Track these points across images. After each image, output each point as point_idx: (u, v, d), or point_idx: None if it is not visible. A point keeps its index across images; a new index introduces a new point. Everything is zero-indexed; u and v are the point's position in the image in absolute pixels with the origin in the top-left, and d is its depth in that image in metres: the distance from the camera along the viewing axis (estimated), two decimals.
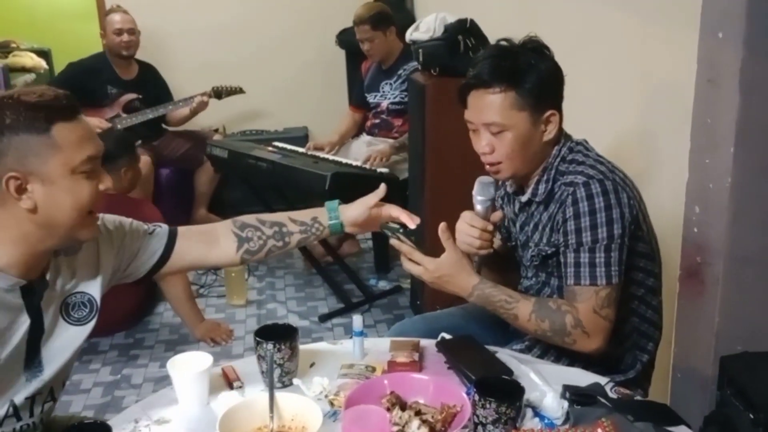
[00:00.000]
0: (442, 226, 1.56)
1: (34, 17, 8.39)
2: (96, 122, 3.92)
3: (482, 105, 1.54)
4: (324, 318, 3.27)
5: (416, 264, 1.55)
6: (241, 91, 4.20)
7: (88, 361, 2.95)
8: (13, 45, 7.93)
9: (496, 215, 1.66)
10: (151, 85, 4.17)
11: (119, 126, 3.98)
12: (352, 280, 3.49)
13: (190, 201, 4.34)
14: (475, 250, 1.61)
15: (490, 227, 1.62)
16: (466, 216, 1.63)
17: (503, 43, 1.59)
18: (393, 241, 1.57)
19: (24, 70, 7.57)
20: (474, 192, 1.64)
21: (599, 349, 1.51)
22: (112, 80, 4.06)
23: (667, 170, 1.86)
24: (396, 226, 1.55)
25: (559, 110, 1.58)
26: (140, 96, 4.07)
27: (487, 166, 1.60)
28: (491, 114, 1.53)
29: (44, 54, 8.03)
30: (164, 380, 2.72)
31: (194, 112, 4.10)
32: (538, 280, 1.67)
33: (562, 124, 1.59)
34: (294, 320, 3.28)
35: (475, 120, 1.57)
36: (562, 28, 2.49)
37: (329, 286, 3.50)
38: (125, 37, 4.00)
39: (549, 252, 1.59)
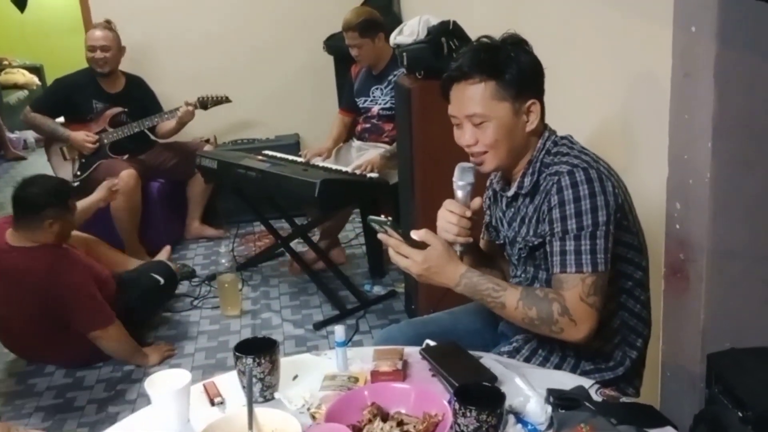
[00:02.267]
0: (423, 231, 1.56)
1: (25, 34, 8.43)
2: (83, 136, 3.92)
3: (464, 97, 1.56)
4: (319, 326, 3.25)
5: (404, 257, 1.54)
6: (227, 100, 4.18)
7: (82, 377, 2.94)
8: (5, 62, 7.98)
9: (476, 202, 1.64)
10: (138, 98, 4.15)
11: (105, 141, 3.98)
12: (347, 286, 3.48)
13: (183, 213, 4.34)
14: (453, 237, 1.59)
15: (469, 213, 1.61)
16: (446, 203, 1.63)
17: (484, 39, 1.61)
18: (380, 235, 1.58)
19: (16, 86, 7.63)
20: (454, 177, 1.64)
21: (587, 338, 1.50)
22: (97, 94, 4.04)
23: (649, 166, 1.85)
24: (383, 218, 1.54)
25: (540, 101, 1.60)
26: (126, 110, 4.06)
27: (472, 158, 1.62)
28: (473, 105, 1.55)
29: (36, 70, 8.08)
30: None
31: (181, 124, 4.07)
32: (526, 275, 1.67)
33: (544, 115, 1.61)
34: (289, 329, 3.26)
35: (458, 113, 1.59)
36: (543, 26, 2.48)
37: (323, 293, 3.48)
38: (98, 53, 3.95)
39: (536, 243, 1.59)
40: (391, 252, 1.57)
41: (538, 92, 1.60)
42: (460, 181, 1.62)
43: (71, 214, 2.85)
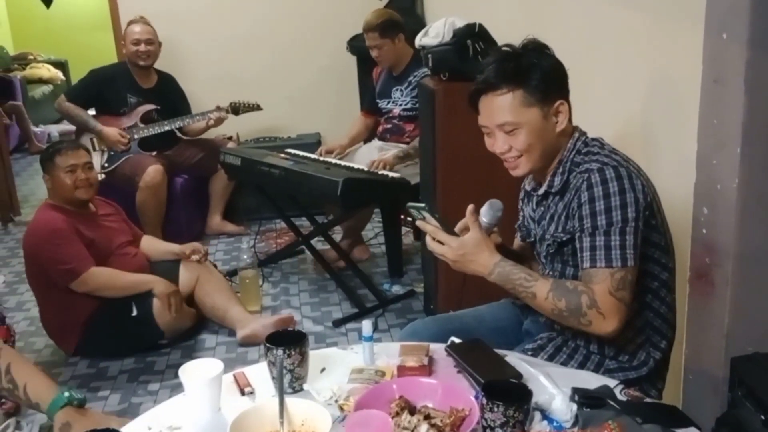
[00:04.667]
0: (470, 207, 1.61)
1: (50, 30, 8.55)
2: (116, 134, 3.99)
3: (493, 107, 1.60)
4: (338, 323, 3.28)
5: (440, 244, 1.58)
6: (258, 107, 4.27)
7: (105, 368, 2.99)
8: (31, 57, 8.10)
9: (495, 239, 1.70)
10: (169, 95, 4.23)
11: (135, 136, 4.04)
12: (366, 284, 3.51)
13: (205, 208, 4.39)
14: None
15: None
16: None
17: (505, 48, 1.65)
18: (419, 222, 1.62)
19: (41, 81, 7.74)
20: (481, 210, 1.68)
21: (615, 332, 1.52)
22: (131, 88, 4.13)
23: (674, 170, 1.86)
24: (421, 204, 1.58)
25: (567, 100, 1.64)
26: (158, 107, 4.13)
27: (506, 164, 1.66)
28: (503, 114, 1.59)
29: (61, 65, 8.19)
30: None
31: (210, 126, 4.17)
32: (554, 272, 1.69)
33: (571, 114, 1.64)
34: (308, 326, 3.29)
35: (489, 123, 1.63)
36: (569, 30, 2.50)
37: (343, 291, 3.51)
38: (142, 47, 4.05)
39: (564, 239, 1.62)
40: (427, 239, 1.61)
41: (563, 92, 1.64)
42: (485, 218, 1.67)
43: (59, 170, 2.98)
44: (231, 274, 3.75)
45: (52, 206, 3.00)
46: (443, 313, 2.95)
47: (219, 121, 4.16)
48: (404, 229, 4.00)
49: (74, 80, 7.82)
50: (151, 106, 4.12)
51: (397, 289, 3.58)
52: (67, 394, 1.58)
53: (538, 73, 1.57)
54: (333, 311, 3.42)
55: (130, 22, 4.17)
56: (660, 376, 1.70)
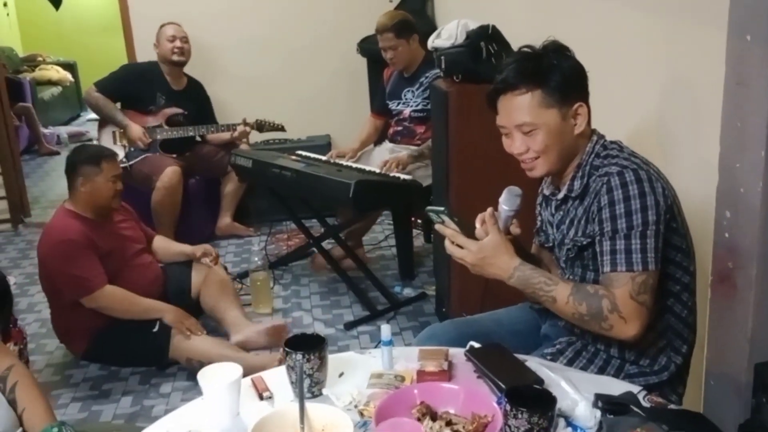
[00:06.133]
0: (489, 210, 1.60)
1: (60, 31, 8.57)
2: (140, 133, 4.00)
3: (511, 107, 1.59)
4: (350, 326, 3.27)
5: (459, 248, 1.57)
6: (282, 128, 4.28)
7: (117, 370, 2.99)
8: (40, 59, 8.12)
9: (515, 230, 1.69)
10: (196, 100, 4.27)
11: (159, 137, 4.07)
12: (377, 287, 3.49)
13: (216, 209, 4.38)
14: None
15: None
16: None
17: (525, 48, 1.64)
18: (437, 226, 1.61)
19: (50, 83, 7.76)
20: (500, 200, 1.66)
21: (636, 336, 1.50)
22: (162, 88, 4.15)
23: (694, 174, 1.84)
24: (440, 208, 1.57)
25: (587, 103, 1.62)
26: (185, 112, 4.16)
27: (523, 164, 1.65)
28: (521, 115, 1.58)
29: (70, 67, 8.21)
30: (192, 389, 2.75)
31: (234, 140, 4.19)
32: (574, 277, 1.68)
33: (590, 116, 1.62)
34: (320, 328, 3.28)
35: (507, 123, 1.62)
36: (584, 31, 2.48)
37: (354, 293, 3.50)
38: (178, 43, 4.11)
39: (584, 243, 1.61)
40: (446, 242, 1.60)
41: (583, 95, 1.63)
42: (505, 205, 1.65)
43: (104, 178, 2.89)
44: (242, 276, 3.75)
45: (72, 214, 2.89)
46: (456, 316, 2.97)
47: (243, 135, 4.18)
48: (415, 231, 3.99)
49: (83, 82, 7.85)
50: (178, 110, 4.15)
51: (408, 292, 3.57)
52: (55, 430, 1.55)
53: (558, 74, 1.56)
54: (344, 314, 3.41)
55: (163, 25, 4.22)
56: (681, 380, 1.69)
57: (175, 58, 4.12)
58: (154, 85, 4.13)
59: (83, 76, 7.98)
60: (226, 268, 3.78)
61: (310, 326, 3.31)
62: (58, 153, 6.75)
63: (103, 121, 4.19)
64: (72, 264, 2.79)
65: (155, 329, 2.88)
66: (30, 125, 6.64)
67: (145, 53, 4.38)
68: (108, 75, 4.22)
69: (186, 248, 3.26)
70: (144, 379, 2.92)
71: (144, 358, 2.96)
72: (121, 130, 4.07)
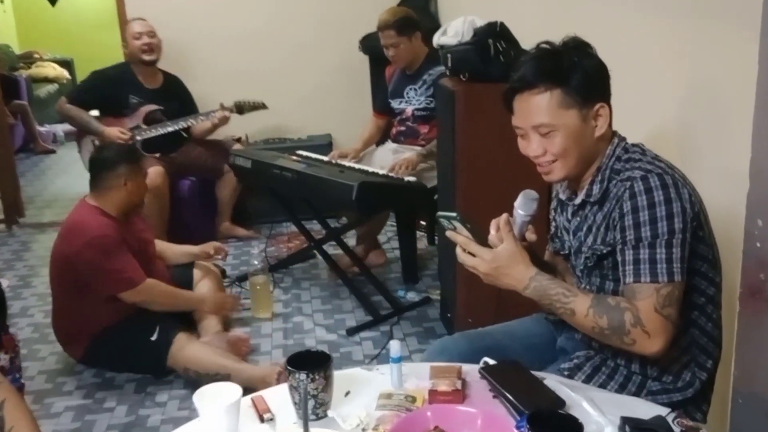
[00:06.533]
0: (504, 216, 1.52)
1: (57, 28, 8.48)
2: (116, 132, 3.88)
3: (529, 107, 1.50)
4: (352, 331, 3.18)
5: (471, 256, 1.48)
6: (264, 106, 4.14)
7: (112, 378, 2.89)
8: (36, 56, 8.02)
9: (531, 236, 1.60)
10: (175, 96, 4.13)
11: (138, 137, 3.94)
12: (380, 291, 3.40)
13: (214, 211, 4.28)
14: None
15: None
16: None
17: (544, 45, 1.54)
18: (448, 233, 1.51)
19: (47, 80, 7.66)
20: (516, 204, 1.57)
21: (660, 351, 1.42)
22: (135, 89, 4.02)
23: (719, 180, 1.75)
24: (452, 214, 1.47)
25: (608, 104, 1.53)
26: (162, 107, 4.02)
27: (539, 168, 1.56)
28: (539, 115, 1.49)
29: (66, 64, 8.12)
30: (189, 398, 2.65)
31: (216, 127, 4.06)
32: (591, 287, 1.59)
33: (612, 118, 1.53)
34: (321, 334, 3.19)
35: (523, 124, 1.52)
36: (597, 28, 2.38)
37: (356, 298, 3.41)
38: (145, 39, 3.96)
39: (604, 252, 1.52)
40: (458, 250, 1.50)
41: (605, 95, 1.53)
42: (521, 210, 1.55)
43: (143, 177, 2.96)
44: (241, 279, 3.66)
45: (100, 211, 2.82)
46: (461, 321, 2.88)
47: (224, 120, 4.03)
48: (418, 233, 3.89)
49: (80, 79, 7.74)
50: (153, 107, 4.00)
51: (412, 296, 3.48)
52: None
53: (579, 72, 1.47)
54: (346, 319, 3.31)
55: (129, 21, 4.09)
56: (705, 398, 1.60)
57: (145, 57, 3.97)
58: (126, 88, 4.00)
59: (80, 73, 7.88)
60: (224, 272, 3.71)
61: (311, 332, 3.22)
62: (54, 151, 6.65)
63: (80, 133, 4.08)
64: (112, 259, 2.75)
65: (154, 337, 2.81)
66: (25, 123, 6.54)
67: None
68: (78, 84, 4.15)
69: (192, 249, 3.22)
70: (140, 387, 2.83)
71: (142, 366, 2.88)
72: (99, 139, 3.96)
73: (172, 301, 2.93)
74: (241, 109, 4.07)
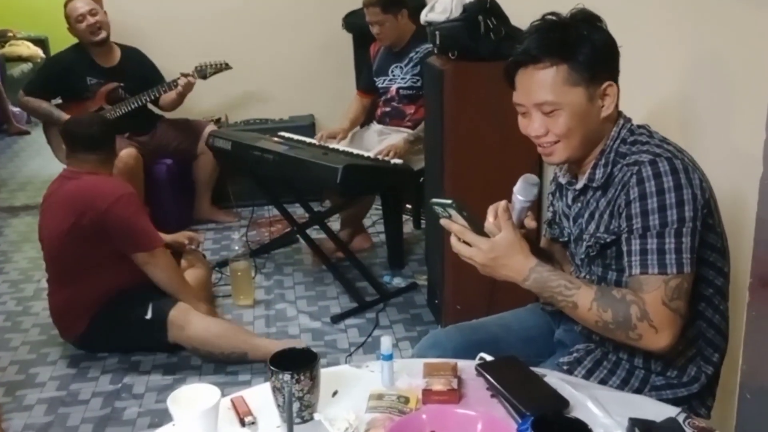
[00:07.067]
0: (503, 203, 1.43)
1: (30, 6, 8.20)
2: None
3: (532, 83, 1.40)
4: (337, 319, 3.08)
5: (467, 245, 1.39)
6: (227, 66, 3.93)
7: (87, 368, 2.78)
8: (10, 34, 7.76)
9: (531, 223, 1.51)
10: (136, 70, 3.92)
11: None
12: (365, 277, 3.31)
13: (193, 194, 4.15)
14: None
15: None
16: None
17: (550, 17, 1.43)
18: (443, 221, 1.41)
19: (21, 59, 7.42)
20: (515, 189, 1.48)
21: (668, 347, 1.34)
22: (91, 70, 3.84)
23: (726, 164, 1.67)
24: (447, 201, 1.37)
25: (617, 82, 1.43)
26: (122, 84, 3.85)
27: (540, 149, 1.46)
28: (543, 92, 1.38)
29: (41, 42, 7.86)
30: (168, 389, 2.55)
31: (182, 95, 3.85)
32: (591, 276, 1.50)
33: (619, 98, 1.44)
34: (305, 321, 3.10)
35: (525, 101, 1.42)
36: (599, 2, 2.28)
37: (341, 283, 3.31)
38: (89, 19, 3.75)
39: (608, 240, 1.43)
40: (452, 240, 1.41)
41: (613, 73, 1.44)
42: (521, 195, 1.46)
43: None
44: (221, 264, 3.54)
45: (113, 176, 2.93)
46: (449, 308, 2.80)
47: (188, 87, 3.81)
48: (404, 217, 3.79)
49: None
50: (113, 84, 3.83)
51: (398, 282, 3.39)
52: None
53: (588, 47, 1.37)
54: (331, 305, 3.22)
55: (67, 2, 3.85)
56: (711, 392, 1.53)
57: (95, 38, 3.77)
58: (82, 71, 3.81)
59: (55, 52, 7.65)
60: (204, 256, 3.58)
61: (294, 319, 3.12)
62: (28, 133, 6.45)
63: (46, 124, 3.92)
64: (141, 217, 2.79)
65: (148, 316, 2.76)
66: None
67: (117, 26, 4.08)
68: (35, 74, 3.96)
69: (164, 238, 3.05)
70: (115, 379, 2.72)
71: (143, 345, 2.84)
72: None
73: (175, 276, 2.87)
74: (203, 73, 3.86)
